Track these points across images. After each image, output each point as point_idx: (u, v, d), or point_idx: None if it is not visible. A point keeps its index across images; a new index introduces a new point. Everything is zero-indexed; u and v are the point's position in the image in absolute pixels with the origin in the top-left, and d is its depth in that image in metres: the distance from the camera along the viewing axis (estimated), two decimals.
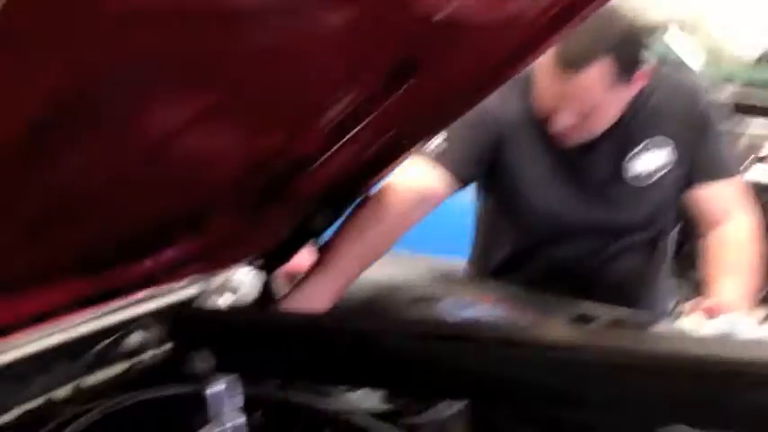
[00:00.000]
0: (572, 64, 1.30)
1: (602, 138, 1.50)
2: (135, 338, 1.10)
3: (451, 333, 0.96)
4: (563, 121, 1.41)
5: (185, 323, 1.07)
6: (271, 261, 1.24)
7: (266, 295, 1.23)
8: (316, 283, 1.25)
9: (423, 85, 0.93)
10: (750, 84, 4.68)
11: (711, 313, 1.24)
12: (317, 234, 1.25)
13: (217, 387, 0.96)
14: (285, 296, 1.23)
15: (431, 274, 1.61)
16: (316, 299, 1.23)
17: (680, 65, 1.69)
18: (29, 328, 0.89)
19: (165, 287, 1.13)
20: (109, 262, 0.94)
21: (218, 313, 1.19)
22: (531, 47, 0.98)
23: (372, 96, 0.93)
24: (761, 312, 1.32)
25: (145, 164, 0.77)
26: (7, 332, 0.85)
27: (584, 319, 1.33)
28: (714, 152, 1.56)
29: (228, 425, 0.95)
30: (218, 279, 1.24)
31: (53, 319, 0.91)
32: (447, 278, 1.65)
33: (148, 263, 1.01)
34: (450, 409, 1.08)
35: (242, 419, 0.97)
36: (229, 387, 0.97)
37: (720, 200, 1.56)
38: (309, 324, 1.06)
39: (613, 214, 1.58)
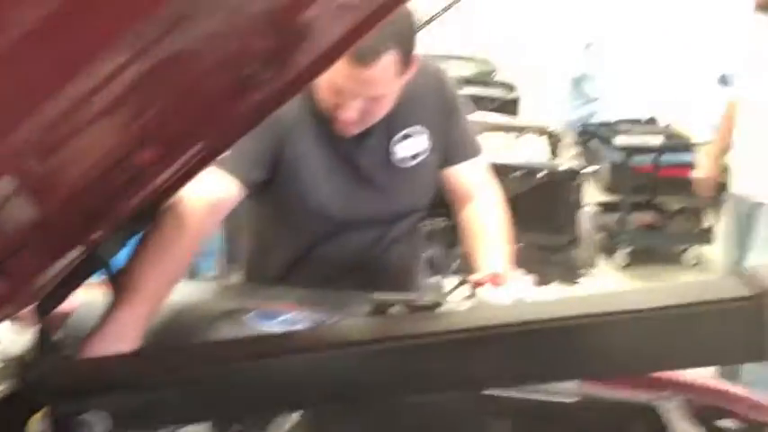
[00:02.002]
0: (364, 58, 1.35)
1: (373, 126, 1.55)
2: None
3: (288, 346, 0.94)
4: (349, 114, 1.45)
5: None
6: (46, 303, 1.11)
7: (45, 343, 1.11)
8: (127, 312, 1.15)
9: (267, 86, 0.90)
10: None
11: (496, 283, 1.37)
12: (103, 264, 1.15)
13: None
14: (89, 337, 1.12)
15: (210, 289, 1.62)
16: (129, 331, 1.14)
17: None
18: None
19: None
20: None
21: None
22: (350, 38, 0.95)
23: (226, 98, 0.89)
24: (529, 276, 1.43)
25: None
26: None
27: (381, 308, 1.36)
28: (462, 133, 1.66)
29: None
30: None
31: None
32: (234, 291, 1.65)
33: None
34: (288, 421, 1.04)
35: None
36: None
37: (471, 177, 1.66)
38: (135, 367, 0.95)
39: (387, 201, 1.63)
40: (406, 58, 1.42)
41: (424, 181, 1.65)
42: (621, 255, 4.46)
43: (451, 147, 1.64)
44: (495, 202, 1.66)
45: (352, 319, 1.31)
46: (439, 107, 1.63)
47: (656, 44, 5.80)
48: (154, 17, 0.66)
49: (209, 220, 1.37)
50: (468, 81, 5.74)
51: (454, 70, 6.51)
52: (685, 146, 4.43)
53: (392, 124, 1.58)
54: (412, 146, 1.61)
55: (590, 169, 2.90)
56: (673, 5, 6.02)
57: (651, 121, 4.64)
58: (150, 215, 1.23)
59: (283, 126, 1.51)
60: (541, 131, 3.49)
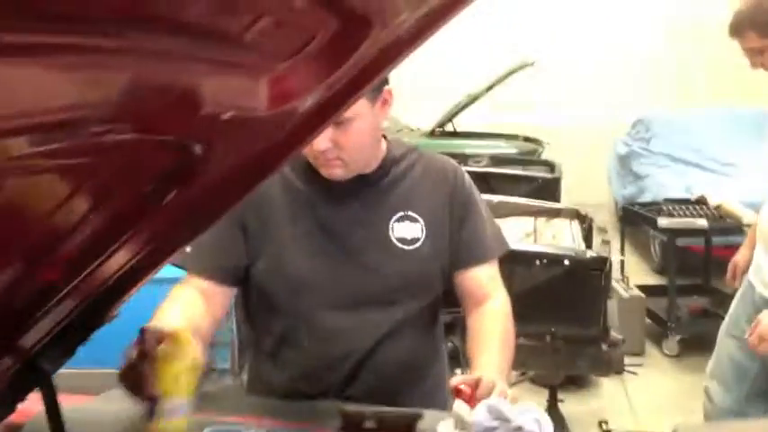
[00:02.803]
0: None
1: (356, 198, 1.54)
2: None
3: None
4: (321, 144, 1.43)
5: None
6: None
7: None
8: None
9: (188, 194, 0.86)
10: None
11: (464, 396, 1.29)
12: (45, 377, 1.10)
13: None
14: None
15: None
16: None
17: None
18: None
19: None
20: None
21: None
22: (302, 135, 0.93)
23: (131, 214, 0.85)
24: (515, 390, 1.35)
25: None
26: None
27: (353, 422, 1.30)
28: (474, 236, 1.60)
29: None
30: None
31: None
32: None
33: None
34: None
35: None
36: None
37: (480, 282, 1.60)
38: None
39: (373, 281, 1.55)
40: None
41: (416, 268, 1.57)
42: (671, 343, 4.21)
43: (462, 249, 1.59)
44: (501, 312, 1.58)
45: None
46: (446, 206, 1.58)
47: (704, 121, 5.65)
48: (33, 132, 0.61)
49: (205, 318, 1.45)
50: (509, 160, 5.68)
51: (499, 149, 6.48)
52: (735, 227, 4.20)
53: (393, 202, 1.56)
54: (410, 229, 1.56)
55: (618, 257, 2.76)
56: (717, 80, 5.89)
57: (701, 200, 4.43)
58: (99, 322, 1.15)
59: (244, 205, 1.51)
60: (575, 215, 3.36)
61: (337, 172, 1.50)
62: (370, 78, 0.97)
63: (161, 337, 1.10)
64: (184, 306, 1.44)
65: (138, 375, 1.09)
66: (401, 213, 1.55)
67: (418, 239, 1.55)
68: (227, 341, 2.77)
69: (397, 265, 1.55)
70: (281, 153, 0.98)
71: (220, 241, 1.49)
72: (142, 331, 1.10)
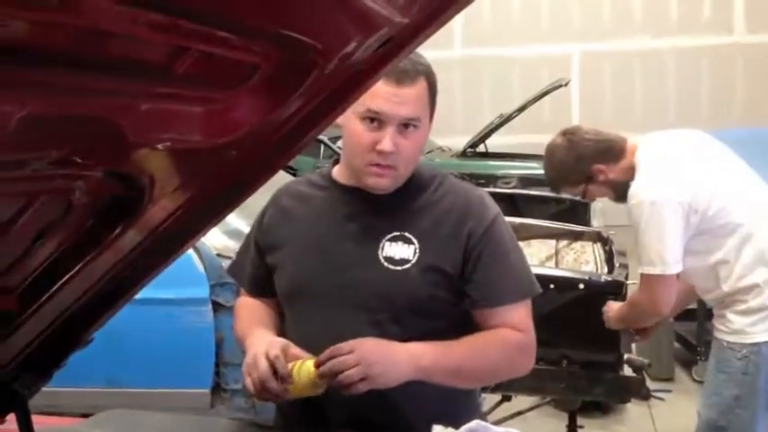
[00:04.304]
0: (405, 77, 1.43)
1: (363, 213, 1.53)
2: None
3: None
4: (386, 144, 1.43)
5: None
6: None
7: None
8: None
9: (142, 222, 0.88)
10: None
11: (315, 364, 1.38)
12: (19, 400, 1.11)
13: None
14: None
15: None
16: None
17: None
18: None
19: None
20: None
21: None
22: (270, 162, 0.94)
23: (80, 244, 0.86)
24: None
25: None
26: None
27: None
28: (490, 278, 1.49)
29: None
30: None
31: None
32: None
33: None
34: None
35: None
36: None
37: (498, 323, 1.50)
38: None
39: (356, 298, 1.50)
40: (432, 99, 1.49)
41: (399, 289, 1.48)
42: (701, 368, 4.10)
43: (474, 289, 1.49)
44: (500, 334, 1.48)
45: None
46: (456, 237, 1.49)
47: (739, 141, 5.52)
48: None
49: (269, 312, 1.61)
50: (539, 181, 5.61)
51: (529, 170, 6.41)
52: None
53: (393, 222, 1.51)
54: (401, 250, 1.49)
55: (634, 281, 2.70)
56: (754, 100, 5.76)
57: None
58: (73, 346, 1.17)
59: (260, 222, 1.62)
60: (597, 237, 3.30)
61: (384, 182, 1.47)
62: (331, 108, 0.97)
63: (289, 357, 1.38)
64: (255, 311, 1.60)
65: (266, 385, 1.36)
66: (396, 233, 1.50)
67: (408, 261, 1.48)
68: (238, 361, 2.77)
69: (378, 284, 1.48)
70: (243, 181, 0.99)
71: (242, 256, 1.65)
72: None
